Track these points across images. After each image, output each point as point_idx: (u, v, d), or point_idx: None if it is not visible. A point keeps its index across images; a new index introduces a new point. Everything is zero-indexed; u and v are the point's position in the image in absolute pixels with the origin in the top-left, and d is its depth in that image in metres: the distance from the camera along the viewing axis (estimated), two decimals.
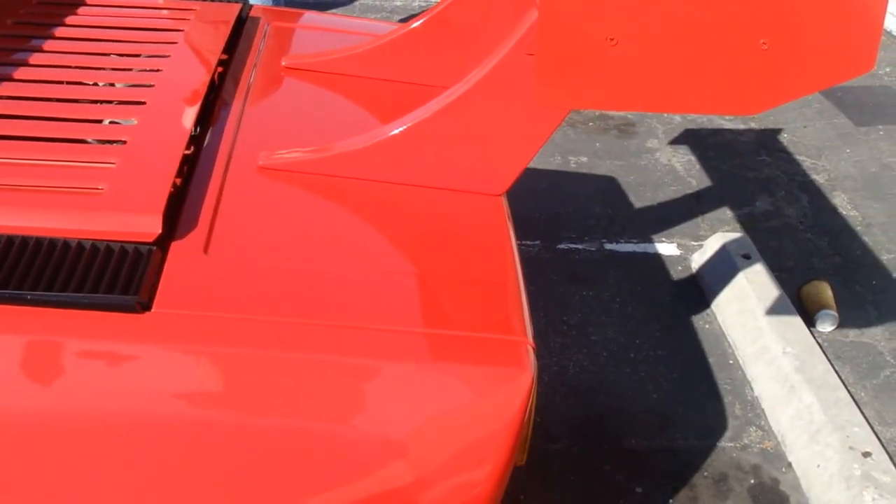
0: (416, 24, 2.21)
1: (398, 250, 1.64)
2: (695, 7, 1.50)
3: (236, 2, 2.44)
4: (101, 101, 1.87)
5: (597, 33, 1.51)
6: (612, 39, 1.52)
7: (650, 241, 3.62)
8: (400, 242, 1.66)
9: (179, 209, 1.61)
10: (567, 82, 1.56)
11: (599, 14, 1.50)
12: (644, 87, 1.56)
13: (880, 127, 4.53)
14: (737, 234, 3.51)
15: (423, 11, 2.26)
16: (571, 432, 2.68)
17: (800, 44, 1.53)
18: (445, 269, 1.60)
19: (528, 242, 3.54)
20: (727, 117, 4.65)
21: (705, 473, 2.59)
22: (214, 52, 2.09)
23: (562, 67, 1.54)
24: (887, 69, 5.19)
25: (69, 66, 1.95)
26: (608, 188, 3.97)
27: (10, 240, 1.45)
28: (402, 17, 5.63)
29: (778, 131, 4.53)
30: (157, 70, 1.97)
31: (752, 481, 2.58)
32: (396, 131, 1.76)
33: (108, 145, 1.69)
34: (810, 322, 3.10)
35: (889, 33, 5.74)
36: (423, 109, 1.77)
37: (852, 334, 3.12)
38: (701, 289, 3.37)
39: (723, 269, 3.35)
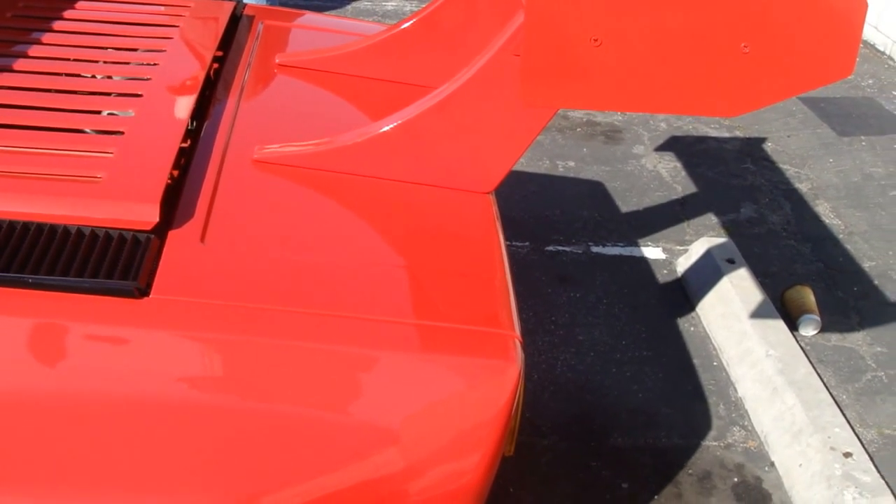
0: (406, 24, 2.24)
1: (388, 244, 1.67)
2: (677, 10, 1.54)
3: None
4: (99, 93, 1.89)
5: (581, 34, 1.54)
6: (595, 40, 1.55)
7: (636, 244, 3.66)
8: (390, 236, 1.69)
9: (176, 199, 1.64)
10: (551, 82, 1.59)
11: (584, 15, 1.53)
12: (627, 87, 1.60)
13: (863, 137, 4.59)
14: (721, 239, 3.55)
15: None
16: (559, 429, 2.71)
17: (780, 48, 1.56)
18: (434, 263, 1.63)
19: (517, 244, 3.58)
20: (712, 124, 4.70)
21: (690, 471, 2.63)
22: (209, 47, 2.12)
23: (546, 67, 1.57)
24: (870, 81, 5.26)
25: (67, 59, 1.97)
26: (595, 192, 4.01)
27: (11, 225, 1.48)
28: (395, 20, 5.66)
29: (762, 140, 4.58)
30: (154, 64, 2.00)
31: (736, 479, 2.61)
32: (387, 128, 1.80)
33: (106, 135, 1.71)
34: (793, 326, 3.14)
35: (872, 46, 5.81)
36: (413, 107, 1.80)
37: (834, 338, 3.15)
38: (686, 292, 3.41)
39: (707, 273, 3.39)
